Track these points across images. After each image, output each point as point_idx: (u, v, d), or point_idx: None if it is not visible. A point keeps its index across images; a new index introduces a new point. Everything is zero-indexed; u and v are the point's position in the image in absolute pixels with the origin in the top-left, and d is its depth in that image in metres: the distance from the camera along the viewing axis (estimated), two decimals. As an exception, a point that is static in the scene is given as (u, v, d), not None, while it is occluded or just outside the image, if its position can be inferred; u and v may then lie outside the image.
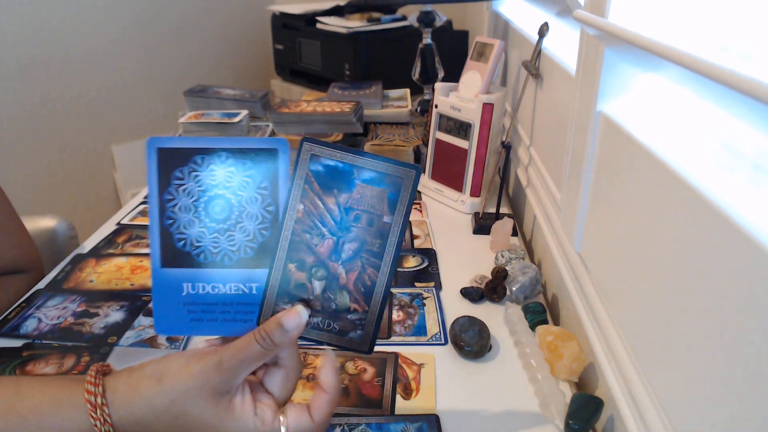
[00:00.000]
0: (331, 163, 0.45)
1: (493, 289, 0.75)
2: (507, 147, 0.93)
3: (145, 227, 0.97)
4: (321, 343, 0.46)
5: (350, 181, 0.44)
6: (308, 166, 0.44)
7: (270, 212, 0.45)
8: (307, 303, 0.45)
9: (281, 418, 0.43)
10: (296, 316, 0.43)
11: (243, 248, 0.46)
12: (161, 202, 0.46)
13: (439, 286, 0.79)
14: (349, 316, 0.46)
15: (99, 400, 0.41)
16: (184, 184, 0.45)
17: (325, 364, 0.45)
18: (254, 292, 0.46)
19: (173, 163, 0.45)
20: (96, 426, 0.40)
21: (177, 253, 0.46)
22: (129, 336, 0.69)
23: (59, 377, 0.46)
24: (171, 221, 0.46)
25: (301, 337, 0.45)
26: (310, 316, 0.46)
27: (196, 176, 0.45)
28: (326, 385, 0.44)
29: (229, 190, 0.45)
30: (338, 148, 0.45)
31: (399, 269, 0.83)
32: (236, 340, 0.43)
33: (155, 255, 0.46)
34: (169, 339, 0.69)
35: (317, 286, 0.45)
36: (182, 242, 0.46)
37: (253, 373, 0.46)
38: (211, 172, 0.45)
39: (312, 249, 0.45)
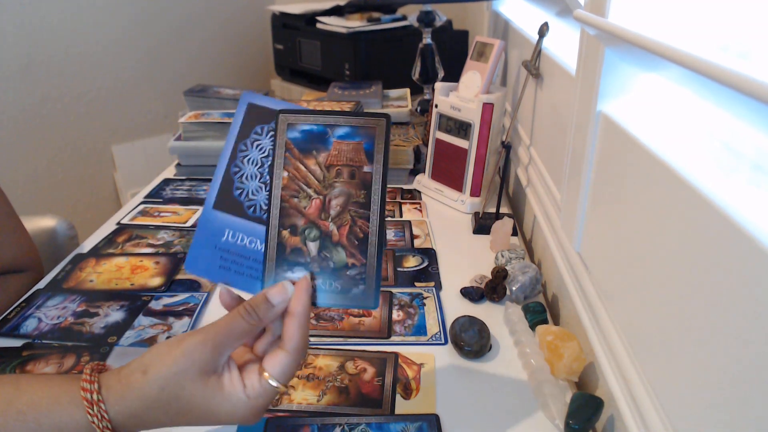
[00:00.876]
0: (307, 127, 0.47)
1: (493, 288, 0.75)
2: (507, 147, 0.93)
3: (145, 227, 0.97)
4: (329, 306, 0.48)
5: (326, 140, 0.47)
6: (286, 135, 0.47)
7: None
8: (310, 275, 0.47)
9: (265, 373, 0.43)
10: (282, 292, 0.44)
11: None
12: (235, 150, 0.49)
13: (439, 286, 0.79)
14: (348, 272, 0.47)
15: (95, 396, 0.41)
16: (259, 140, 0.49)
17: (295, 296, 0.45)
18: None
19: (257, 120, 0.49)
20: (93, 422, 0.41)
21: (231, 200, 0.49)
22: (129, 336, 0.69)
23: (58, 375, 0.46)
24: (237, 170, 0.49)
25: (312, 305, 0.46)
26: (311, 280, 0.47)
27: (273, 137, 0.48)
28: (293, 311, 0.44)
29: None
30: (311, 112, 0.47)
31: (399, 269, 0.83)
32: (221, 318, 0.44)
33: (211, 195, 0.49)
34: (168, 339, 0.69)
35: (312, 247, 0.47)
36: (239, 191, 0.49)
37: (251, 350, 0.46)
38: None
39: (302, 212, 0.47)
